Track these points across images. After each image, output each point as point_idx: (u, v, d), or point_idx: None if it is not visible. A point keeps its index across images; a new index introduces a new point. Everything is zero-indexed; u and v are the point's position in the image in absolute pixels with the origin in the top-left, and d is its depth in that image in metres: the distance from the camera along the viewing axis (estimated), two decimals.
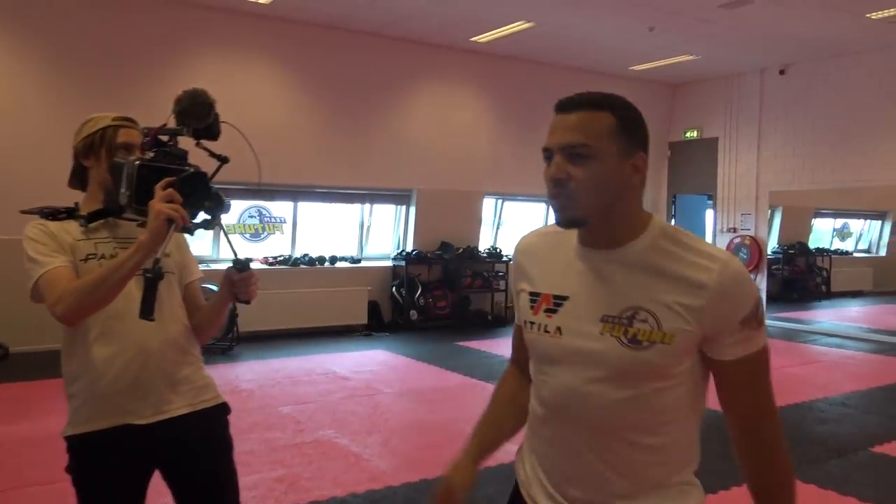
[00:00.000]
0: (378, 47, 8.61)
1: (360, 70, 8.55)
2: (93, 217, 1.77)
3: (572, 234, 1.29)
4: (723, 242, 10.34)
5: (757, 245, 9.91)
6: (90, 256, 1.73)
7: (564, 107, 1.22)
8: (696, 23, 7.82)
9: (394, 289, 8.97)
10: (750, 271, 9.96)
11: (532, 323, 1.31)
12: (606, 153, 1.18)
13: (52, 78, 6.90)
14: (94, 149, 1.78)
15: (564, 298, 1.27)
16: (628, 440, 1.23)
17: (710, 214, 10.98)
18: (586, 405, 1.24)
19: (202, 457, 1.84)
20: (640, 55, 9.35)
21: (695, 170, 10.90)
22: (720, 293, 1.15)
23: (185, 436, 1.80)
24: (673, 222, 11.25)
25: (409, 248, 9.18)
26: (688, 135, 10.93)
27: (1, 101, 6.70)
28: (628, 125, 1.21)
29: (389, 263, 9.16)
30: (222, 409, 1.91)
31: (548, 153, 1.22)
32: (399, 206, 9.35)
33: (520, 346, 1.46)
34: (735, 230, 10.22)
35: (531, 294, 1.33)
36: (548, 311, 1.29)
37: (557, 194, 1.20)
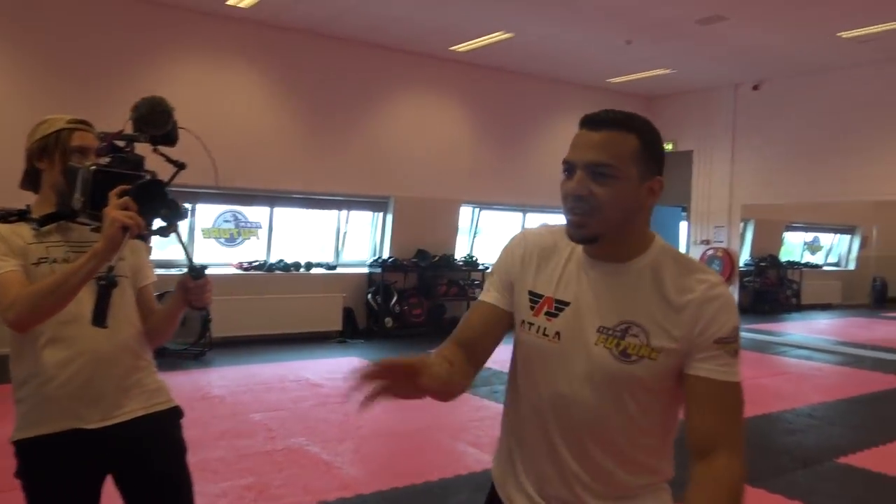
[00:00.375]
0: (358, 54, 8.61)
1: (339, 76, 8.54)
2: (45, 220, 1.75)
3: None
4: (696, 254, 10.47)
5: (729, 257, 10.05)
6: (42, 260, 1.71)
7: (591, 123, 1.24)
8: (672, 37, 7.93)
9: (369, 296, 8.95)
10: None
11: (531, 324, 1.33)
12: (628, 175, 1.22)
13: (24, 79, 6.79)
14: (48, 151, 1.76)
15: (566, 304, 1.30)
16: (607, 447, 1.28)
17: (683, 226, 11.12)
18: (572, 410, 1.28)
19: (155, 460, 1.83)
20: (617, 68, 9.46)
21: (669, 182, 10.95)
22: (700, 308, 1.21)
23: (138, 439, 1.79)
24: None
25: (386, 255, 9.17)
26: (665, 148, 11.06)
27: None
28: (650, 149, 1.25)
29: (365, 270, 9.13)
30: (175, 413, 1.91)
31: (569, 167, 1.24)
32: (376, 214, 9.33)
33: (473, 326, 1.38)
34: (708, 242, 10.36)
35: (532, 294, 1.34)
36: (548, 314, 1.31)
37: (577, 209, 1.23)
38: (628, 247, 1.28)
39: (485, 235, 10.27)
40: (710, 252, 10.26)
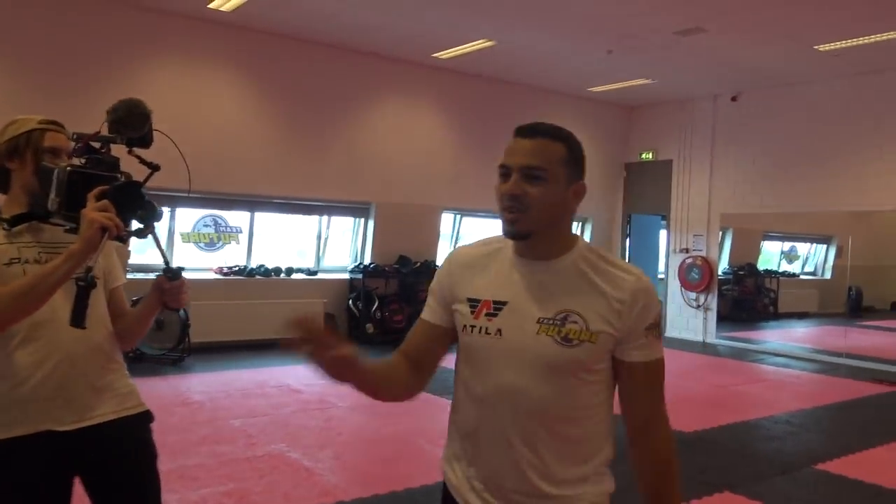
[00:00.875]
0: (339, 60, 8.60)
1: (320, 82, 8.52)
2: (16, 221, 1.73)
3: (506, 248, 1.46)
4: (675, 263, 10.56)
5: (708, 266, 10.14)
6: (13, 261, 1.69)
7: (525, 132, 1.39)
8: (652, 48, 8.01)
9: (350, 302, 8.91)
10: (700, 291, 10.18)
11: (473, 326, 1.43)
12: (557, 177, 1.37)
13: (3, 81, 6.71)
14: (18, 151, 1.75)
15: (504, 304, 1.41)
16: (555, 431, 1.38)
17: (663, 235, 11.21)
18: (521, 399, 1.38)
19: (125, 464, 1.83)
20: (598, 77, 9.53)
21: (649, 190, 11.13)
22: (634, 300, 1.37)
23: (109, 443, 1.79)
24: (628, 242, 11.44)
25: (367, 261, 9.14)
26: (643, 156, 11.15)
27: None
28: (575, 156, 1.41)
29: (346, 276, 9.10)
30: (146, 417, 1.91)
31: (505, 170, 1.38)
32: (357, 219, 9.31)
33: (415, 341, 1.53)
34: (687, 251, 10.45)
35: (470, 300, 1.45)
36: (488, 315, 1.42)
37: (511, 208, 1.36)
38: (556, 245, 1.41)
39: (466, 242, 10.24)
40: (689, 260, 10.36)
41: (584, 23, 7.29)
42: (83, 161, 1.69)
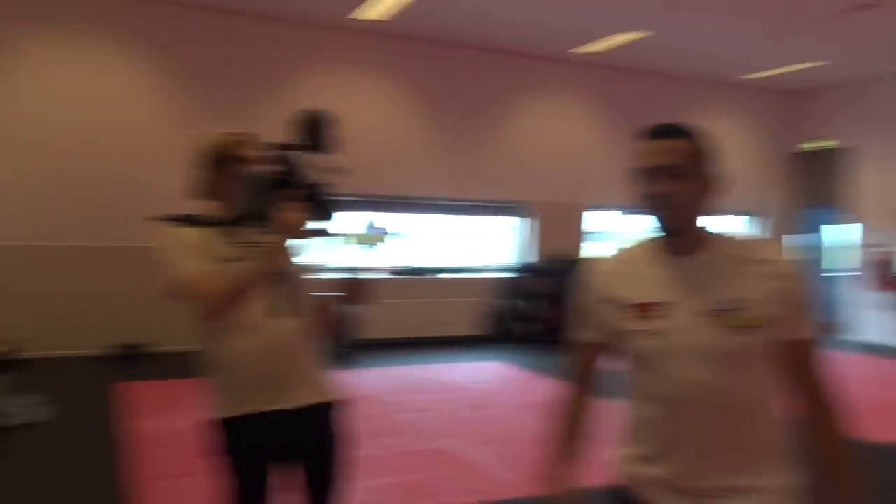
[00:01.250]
0: (486, 61, 8.72)
1: (468, 84, 8.69)
2: (218, 223, 1.95)
3: (646, 250, 1.51)
4: (856, 259, 9.68)
5: None
6: (220, 258, 1.89)
7: (657, 134, 1.45)
8: (819, 28, 7.44)
9: (506, 300, 8.97)
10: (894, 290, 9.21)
11: (639, 331, 1.46)
12: (696, 172, 1.42)
13: (177, 95, 7.38)
14: (216, 162, 1.97)
15: (665, 304, 1.44)
16: (739, 420, 1.41)
17: (836, 229, 10.33)
18: (703, 393, 1.40)
19: (321, 447, 2.00)
20: (758, 63, 8.98)
21: (821, 181, 10.31)
22: (790, 280, 1.42)
23: (309, 425, 1.97)
24: (800, 236, 10.62)
25: (523, 259, 9.18)
26: (812, 145, 10.34)
27: (131, 117, 7.23)
28: (709, 151, 1.46)
29: (502, 275, 9.17)
30: (343, 405, 2.08)
31: (648, 172, 1.43)
32: (511, 219, 9.37)
33: (581, 364, 1.64)
34: (872, 246, 9.51)
35: (629, 307, 1.48)
36: (653, 317, 1.45)
37: (662, 206, 1.42)
38: (698, 238, 1.46)
39: (620, 239, 10.02)
40: (874, 257, 9.42)
41: (744, 5, 6.89)
42: (275, 168, 1.87)
